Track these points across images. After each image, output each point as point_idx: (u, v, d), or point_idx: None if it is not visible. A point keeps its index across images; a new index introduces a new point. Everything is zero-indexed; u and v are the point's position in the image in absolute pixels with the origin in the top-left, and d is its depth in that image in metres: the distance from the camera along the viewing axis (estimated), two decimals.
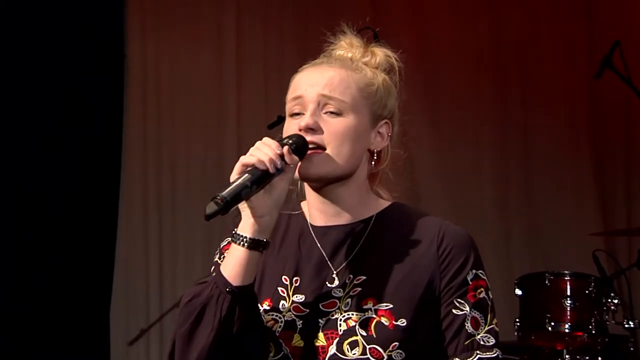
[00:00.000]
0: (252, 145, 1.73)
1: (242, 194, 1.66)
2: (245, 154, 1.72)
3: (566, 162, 5.44)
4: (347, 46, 1.88)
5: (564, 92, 5.47)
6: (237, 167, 1.69)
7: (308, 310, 1.77)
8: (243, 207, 1.71)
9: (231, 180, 1.68)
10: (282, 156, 1.70)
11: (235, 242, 1.72)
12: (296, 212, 1.90)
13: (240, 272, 1.70)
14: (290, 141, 1.73)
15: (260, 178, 1.68)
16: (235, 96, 5.34)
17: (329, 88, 1.78)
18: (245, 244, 1.71)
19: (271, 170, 1.68)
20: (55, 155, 4.97)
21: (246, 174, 1.68)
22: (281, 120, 4.05)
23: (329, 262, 1.81)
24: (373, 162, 1.84)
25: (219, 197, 1.64)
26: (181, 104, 5.32)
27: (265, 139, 1.72)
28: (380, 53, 1.88)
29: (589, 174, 5.44)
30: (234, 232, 1.74)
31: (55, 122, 4.98)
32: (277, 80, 5.21)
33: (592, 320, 3.81)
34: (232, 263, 1.71)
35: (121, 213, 5.20)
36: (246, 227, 1.71)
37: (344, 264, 1.80)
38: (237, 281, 1.70)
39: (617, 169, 5.50)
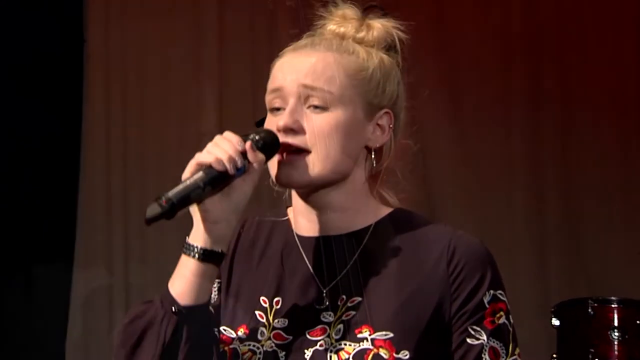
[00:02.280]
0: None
1: (192, 195, 1.64)
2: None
3: (613, 167, 5.43)
4: (340, 20, 1.87)
5: (609, 84, 5.46)
6: (190, 167, 1.68)
7: (291, 338, 1.75)
8: (194, 211, 1.70)
9: (183, 179, 1.66)
10: (244, 153, 1.69)
11: (185, 253, 1.71)
12: (282, 219, 1.90)
13: (190, 289, 1.70)
14: (257, 136, 1.71)
15: (216, 179, 1.66)
16: (217, 86, 5.34)
17: (312, 77, 1.76)
18: (197, 256, 1.70)
19: (230, 170, 1.67)
20: (5, 152, 4.95)
21: (200, 173, 1.66)
22: None
23: (316, 279, 1.79)
24: (374, 161, 1.82)
25: (163, 198, 1.60)
26: (151, 96, 5.31)
27: (226, 133, 1.72)
28: (379, 26, 1.86)
29: None
30: (185, 241, 1.73)
31: (5, 115, 4.96)
32: (266, 67, 5.12)
33: None
34: (182, 278, 1.71)
35: (80, 220, 5.20)
36: (198, 235, 1.71)
37: (335, 282, 1.78)
38: (186, 300, 1.69)
39: None
